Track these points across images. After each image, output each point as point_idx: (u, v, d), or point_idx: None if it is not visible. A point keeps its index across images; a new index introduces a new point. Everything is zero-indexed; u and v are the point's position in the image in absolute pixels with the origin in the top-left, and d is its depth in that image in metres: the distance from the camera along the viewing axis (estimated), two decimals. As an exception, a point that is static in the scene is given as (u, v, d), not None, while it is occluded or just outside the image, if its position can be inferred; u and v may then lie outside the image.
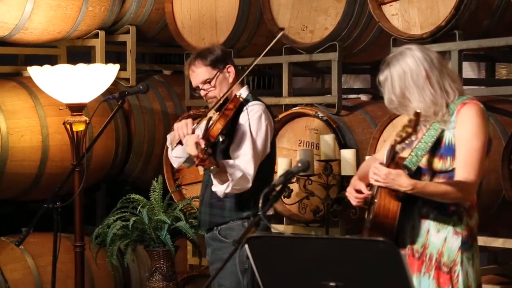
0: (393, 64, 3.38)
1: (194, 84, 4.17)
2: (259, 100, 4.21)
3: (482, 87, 6.03)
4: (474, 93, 5.21)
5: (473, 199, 3.44)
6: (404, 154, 3.38)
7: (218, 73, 4.10)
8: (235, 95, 4.04)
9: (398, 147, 3.27)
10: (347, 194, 3.49)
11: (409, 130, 3.19)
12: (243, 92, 4.12)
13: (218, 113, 3.99)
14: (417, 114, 3.19)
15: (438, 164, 3.39)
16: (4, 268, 5.75)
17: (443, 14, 4.92)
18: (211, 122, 3.94)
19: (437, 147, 3.39)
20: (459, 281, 3.36)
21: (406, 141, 3.26)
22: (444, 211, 3.40)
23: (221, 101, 4.03)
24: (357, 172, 3.67)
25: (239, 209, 4.09)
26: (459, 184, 3.32)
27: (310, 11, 5.58)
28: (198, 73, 4.11)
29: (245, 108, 4.06)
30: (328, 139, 5.09)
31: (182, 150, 4.10)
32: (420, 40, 4.97)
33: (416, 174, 3.38)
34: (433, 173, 3.41)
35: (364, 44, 5.70)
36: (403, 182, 3.27)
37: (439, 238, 3.40)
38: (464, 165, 3.33)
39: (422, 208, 3.42)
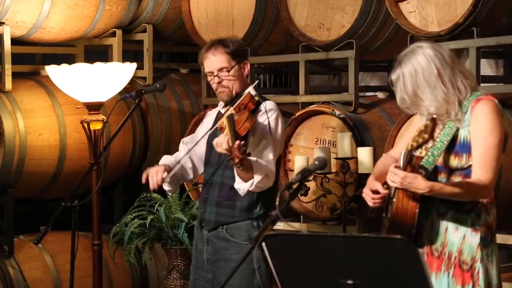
0: (405, 63, 3.37)
1: (208, 69, 4.06)
2: (268, 99, 4.20)
3: (500, 84, 6.00)
4: (492, 90, 5.18)
5: (491, 195, 3.43)
6: (422, 153, 3.37)
7: (237, 64, 4.06)
8: (251, 94, 4.01)
9: (412, 152, 3.28)
10: (363, 195, 3.49)
11: (426, 136, 3.21)
12: (252, 91, 4.09)
13: (239, 111, 3.91)
14: (433, 120, 3.19)
15: (454, 161, 3.38)
16: (22, 267, 5.78)
17: (461, 11, 4.90)
18: (235, 120, 3.84)
19: (452, 145, 3.38)
20: (479, 278, 3.35)
21: (423, 147, 3.26)
22: (462, 209, 3.39)
23: (240, 100, 3.96)
24: (373, 171, 3.67)
25: (250, 208, 4.05)
26: (476, 184, 3.31)
27: (327, 9, 5.57)
28: (218, 59, 4.03)
29: (263, 107, 4.03)
30: (345, 137, 5.08)
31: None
32: (437, 38, 4.95)
33: (432, 172, 3.38)
34: (450, 170, 3.40)
35: (381, 41, 5.68)
36: (420, 185, 3.27)
37: (458, 236, 3.39)
38: (481, 163, 3.31)
39: (439, 207, 3.41)
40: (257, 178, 3.90)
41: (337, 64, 6.27)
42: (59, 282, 5.88)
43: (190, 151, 4.18)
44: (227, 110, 3.99)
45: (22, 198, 6.15)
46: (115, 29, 6.52)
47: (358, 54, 5.46)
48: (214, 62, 4.05)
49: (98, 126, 5.34)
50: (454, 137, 3.38)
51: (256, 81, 4.18)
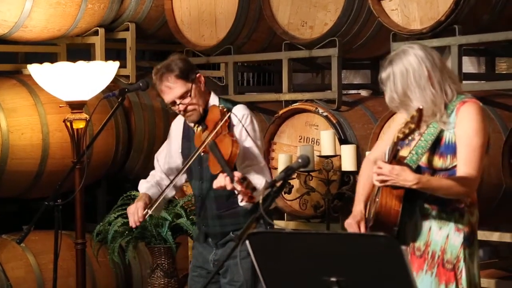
0: (396, 62, 3.37)
1: (169, 100, 3.97)
2: (232, 101, 4.15)
3: (482, 81, 6.03)
4: (474, 87, 5.21)
5: (473, 196, 3.45)
6: (404, 153, 3.38)
7: (193, 84, 3.97)
8: (218, 107, 3.96)
9: (401, 144, 3.28)
10: (346, 225, 3.50)
11: (412, 126, 3.18)
12: (215, 100, 4.05)
13: (218, 136, 3.85)
14: (420, 110, 3.19)
15: (438, 162, 3.40)
16: (5, 266, 5.75)
17: (443, 9, 4.92)
18: (220, 149, 3.80)
19: (437, 145, 3.40)
20: (462, 277, 3.38)
21: (409, 137, 3.26)
22: (445, 208, 3.41)
23: (212, 120, 3.90)
24: (358, 187, 3.63)
25: (251, 212, 4.00)
26: (462, 180, 3.34)
27: (309, 7, 5.58)
28: (174, 88, 3.93)
29: (235, 118, 3.98)
30: (329, 134, 5.09)
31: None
32: (419, 35, 4.97)
33: (416, 172, 3.38)
34: (433, 171, 3.41)
35: (364, 39, 5.70)
36: (408, 177, 3.27)
37: (441, 236, 3.42)
38: (466, 162, 3.34)
39: (423, 206, 3.43)
40: (260, 191, 3.90)
41: (320, 62, 6.28)
42: (42, 281, 5.86)
43: (173, 180, 4.12)
44: (202, 130, 3.95)
45: (5, 197, 6.13)
46: (97, 28, 6.49)
47: (341, 52, 5.48)
48: (172, 92, 3.95)
49: (81, 125, 5.32)
50: (439, 138, 3.40)
51: (213, 90, 4.13)
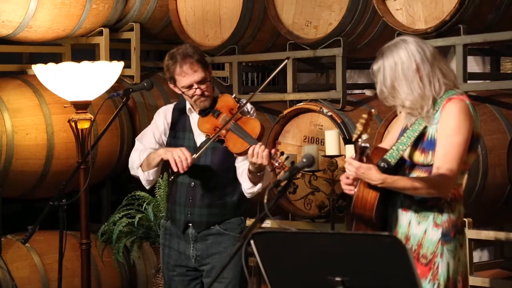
0: (387, 55, 3.44)
1: (188, 83, 4.05)
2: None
3: (487, 81, 6.02)
4: (479, 87, 5.21)
5: (457, 192, 3.47)
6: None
7: (209, 72, 4.11)
8: (231, 96, 4.11)
9: (358, 143, 3.34)
10: (340, 180, 3.57)
11: (361, 128, 3.30)
12: (218, 93, 4.18)
13: (236, 118, 4.01)
14: (370, 113, 3.29)
15: (419, 157, 3.44)
16: (10, 266, 5.76)
17: (448, 8, 4.92)
18: (244, 129, 3.96)
19: (420, 141, 3.45)
20: (439, 273, 3.41)
21: (360, 139, 3.33)
22: (424, 204, 3.46)
23: (236, 108, 4.04)
24: None
25: (239, 205, 4.13)
26: (433, 181, 3.37)
27: (314, 7, 5.58)
28: (196, 71, 4.05)
29: (245, 109, 4.11)
30: (333, 134, 5.09)
31: (156, 172, 4.15)
32: (424, 35, 4.96)
33: (400, 166, 3.42)
34: (415, 165, 3.45)
35: (369, 39, 5.69)
36: (373, 176, 3.35)
37: (420, 230, 3.46)
38: (442, 160, 3.37)
39: (404, 200, 3.48)
40: (266, 181, 4.01)
41: (325, 62, 6.28)
42: (47, 281, 5.87)
43: (219, 132, 4.06)
44: (215, 116, 4.05)
45: (10, 197, 6.13)
46: (102, 28, 6.50)
47: (346, 52, 5.47)
48: (193, 75, 4.05)
49: (85, 125, 5.32)
50: (422, 134, 3.44)
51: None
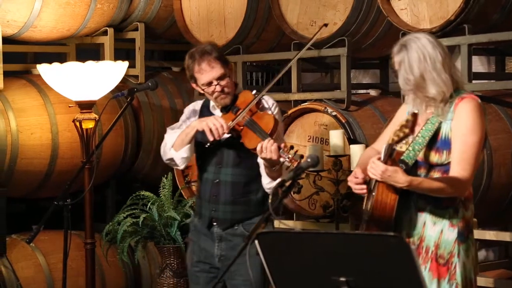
0: (411, 46, 3.44)
1: (207, 80, 4.06)
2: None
3: (492, 81, 6.01)
4: (484, 87, 5.20)
5: (469, 191, 3.47)
6: (402, 147, 3.42)
7: (229, 69, 4.12)
8: (251, 93, 4.11)
9: (395, 146, 3.32)
10: (348, 182, 3.56)
11: (406, 130, 3.27)
12: (241, 89, 4.20)
13: (251, 113, 4.03)
14: (414, 115, 3.26)
15: (434, 157, 3.44)
16: (15, 266, 5.77)
17: (452, 8, 4.91)
18: (259, 124, 3.98)
19: (434, 141, 3.46)
20: (456, 273, 3.42)
21: (403, 141, 3.32)
22: (440, 204, 3.45)
23: (252, 103, 4.06)
24: (358, 163, 3.74)
25: (263, 203, 4.10)
26: (454, 181, 3.38)
27: (318, 6, 5.57)
28: (216, 68, 4.06)
29: (264, 102, 4.14)
30: (338, 134, 5.08)
31: (189, 149, 4.11)
32: (429, 35, 4.95)
33: (413, 167, 3.42)
34: (430, 166, 3.45)
35: (373, 39, 5.69)
36: (399, 179, 3.33)
37: (435, 231, 3.45)
38: (459, 160, 3.38)
39: (418, 201, 3.47)
40: (284, 176, 3.97)
41: (329, 62, 6.27)
42: (51, 281, 5.87)
43: (260, 96, 4.12)
44: (234, 113, 4.06)
45: (14, 197, 6.14)
46: (106, 28, 6.51)
47: (350, 52, 5.47)
48: (212, 71, 4.06)
49: (90, 124, 5.33)
50: (436, 134, 3.45)
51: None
